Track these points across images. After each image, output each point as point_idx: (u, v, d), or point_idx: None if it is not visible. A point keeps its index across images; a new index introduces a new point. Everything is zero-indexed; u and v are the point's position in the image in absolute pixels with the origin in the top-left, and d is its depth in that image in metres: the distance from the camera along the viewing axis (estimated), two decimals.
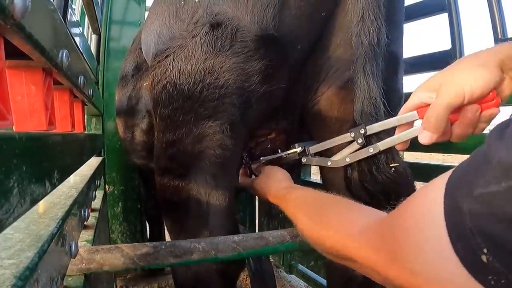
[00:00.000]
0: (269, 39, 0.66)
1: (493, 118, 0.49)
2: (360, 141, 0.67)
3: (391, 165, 0.68)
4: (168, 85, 0.69)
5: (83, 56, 0.78)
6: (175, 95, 0.69)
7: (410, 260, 0.31)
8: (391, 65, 0.76)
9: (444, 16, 1.17)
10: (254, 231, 2.07)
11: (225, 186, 0.72)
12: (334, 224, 0.47)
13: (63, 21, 0.48)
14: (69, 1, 0.73)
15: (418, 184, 0.73)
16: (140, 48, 1.08)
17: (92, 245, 0.67)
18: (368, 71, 0.66)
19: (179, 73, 0.68)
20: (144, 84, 1.06)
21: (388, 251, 0.35)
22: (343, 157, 0.71)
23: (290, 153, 0.82)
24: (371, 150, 0.66)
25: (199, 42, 0.66)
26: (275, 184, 0.73)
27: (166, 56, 0.70)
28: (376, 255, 0.37)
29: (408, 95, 0.56)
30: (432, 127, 0.49)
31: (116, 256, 0.54)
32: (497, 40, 0.99)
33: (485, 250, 0.24)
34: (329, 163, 0.75)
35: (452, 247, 0.27)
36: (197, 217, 0.72)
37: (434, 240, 0.29)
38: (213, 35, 0.65)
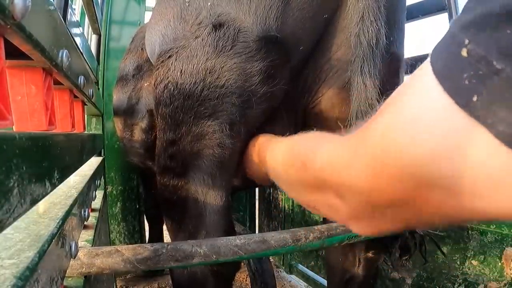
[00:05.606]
0: (271, 40, 0.66)
1: None
2: None
3: None
4: (169, 84, 0.70)
5: (83, 56, 0.78)
6: (176, 94, 0.69)
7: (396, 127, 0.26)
8: (393, 67, 0.77)
9: (444, 16, 1.17)
10: (254, 231, 2.07)
11: (222, 186, 0.72)
12: (317, 149, 0.41)
13: (63, 21, 0.48)
14: (69, 1, 0.73)
15: None
16: (142, 48, 1.08)
17: (92, 245, 0.67)
18: (365, 71, 0.67)
19: (180, 72, 0.68)
20: (145, 84, 1.07)
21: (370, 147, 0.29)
22: None
23: None
24: None
25: (202, 42, 0.66)
26: (260, 140, 0.72)
27: (169, 57, 0.70)
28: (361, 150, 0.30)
29: None
30: None
31: (117, 260, 0.54)
32: None
33: (466, 41, 0.21)
34: None
35: (436, 78, 0.22)
36: (194, 217, 0.72)
37: (419, 90, 0.24)
38: (215, 35, 0.65)
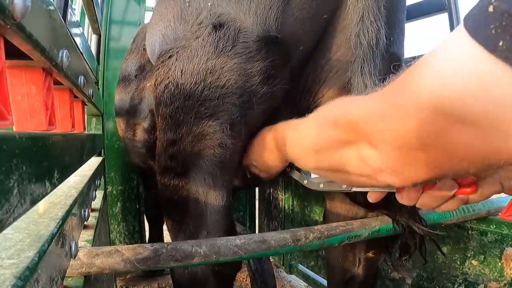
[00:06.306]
0: (271, 40, 0.66)
1: (463, 204, 0.47)
2: None
3: None
4: (170, 84, 0.70)
5: (83, 56, 0.78)
6: (177, 94, 0.69)
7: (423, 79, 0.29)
8: (393, 67, 0.77)
9: (444, 16, 1.17)
10: (254, 231, 2.07)
11: (223, 186, 0.72)
12: (336, 109, 0.44)
13: (63, 21, 0.48)
14: (69, 1, 0.73)
15: None
16: (144, 48, 1.08)
17: (92, 245, 0.67)
18: (365, 72, 0.67)
19: (181, 73, 0.68)
20: (148, 85, 1.07)
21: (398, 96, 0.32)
22: (319, 182, 0.71)
23: None
24: (344, 186, 0.64)
25: (202, 42, 0.66)
26: (276, 125, 0.71)
27: (170, 57, 0.70)
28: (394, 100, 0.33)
29: None
30: (404, 194, 0.48)
31: (117, 260, 0.54)
32: None
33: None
34: (305, 182, 0.74)
35: (467, 32, 0.26)
36: (195, 217, 0.72)
37: (452, 49, 0.28)
38: (215, 35, 0.65)
